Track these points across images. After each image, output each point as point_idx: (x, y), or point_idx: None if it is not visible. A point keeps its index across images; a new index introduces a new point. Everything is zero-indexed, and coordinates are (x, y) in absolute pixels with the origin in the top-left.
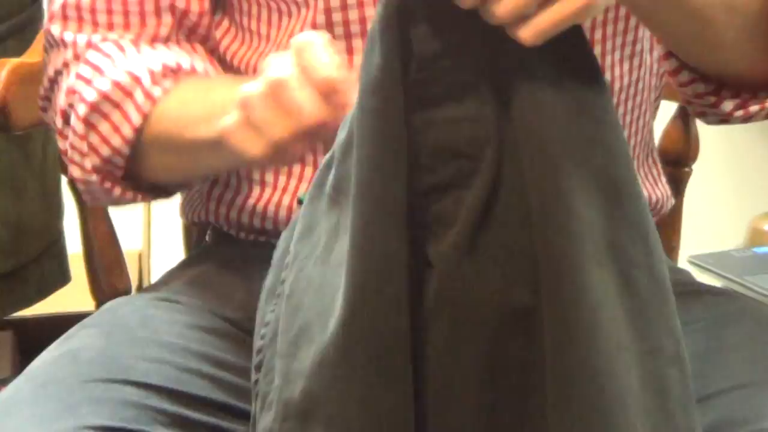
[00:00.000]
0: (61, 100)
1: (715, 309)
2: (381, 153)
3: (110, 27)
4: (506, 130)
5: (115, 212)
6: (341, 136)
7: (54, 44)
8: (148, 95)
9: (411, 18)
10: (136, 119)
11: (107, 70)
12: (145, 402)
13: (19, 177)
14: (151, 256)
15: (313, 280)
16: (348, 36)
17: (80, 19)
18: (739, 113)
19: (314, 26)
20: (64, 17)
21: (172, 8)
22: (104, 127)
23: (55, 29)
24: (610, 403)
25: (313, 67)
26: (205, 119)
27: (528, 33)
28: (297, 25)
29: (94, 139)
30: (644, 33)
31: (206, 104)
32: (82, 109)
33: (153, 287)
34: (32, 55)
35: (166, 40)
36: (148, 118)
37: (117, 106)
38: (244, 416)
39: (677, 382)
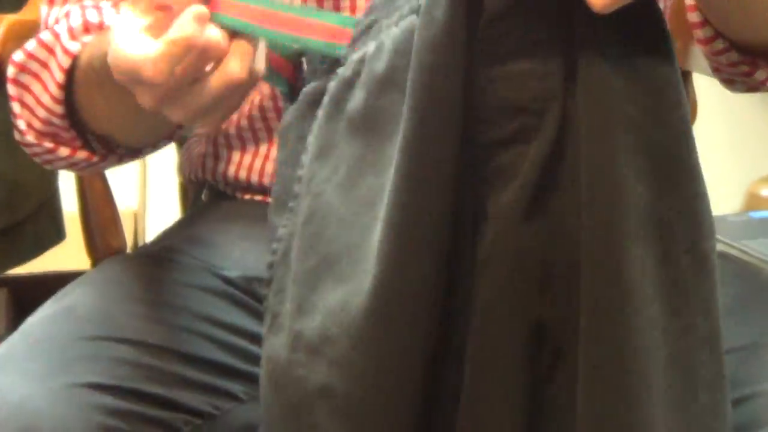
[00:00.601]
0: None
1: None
2: (432, 114)
3: None
4: (571, 90)
5: (110, 171)
6: (378, 66)
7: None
8: (65, 51)
9: None
10: (59, 76)
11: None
12: (140, 360)
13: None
14: (147, 216)
15: (335, 209)
16: None
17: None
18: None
19: None
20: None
21: None
22: (35, 86)
23: (43, 10)
24: (634, 376)
25: None
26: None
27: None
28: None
29: (29, 100)
30: None
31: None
32: (11, 71)
33: (149, 246)
34: (28, 12)
35: None
36: (73, 74)
37: (43, 65)
38: (240, 376)
39: (707, 363)
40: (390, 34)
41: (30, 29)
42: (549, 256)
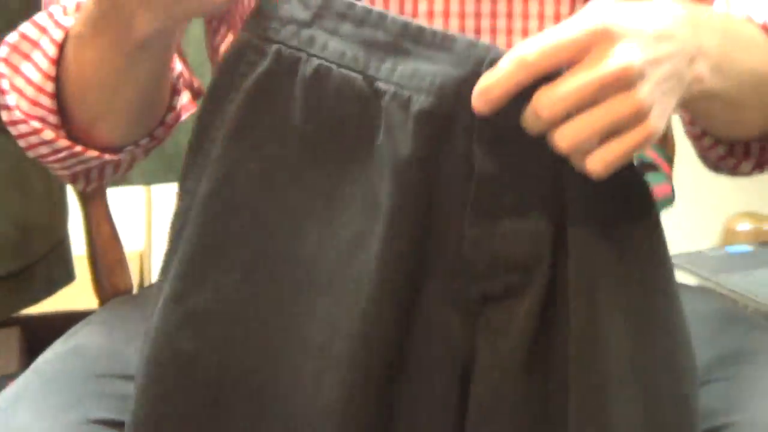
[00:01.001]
0: None
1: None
2: (399, 243)
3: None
4: (559, 249)
5: (117, 213)
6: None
7: None
8: (58, 24)
9: (475, 136)
10: (51, 51)
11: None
12: None
13: (26, 178)
14: (153, 256)
15: (247, 200)
16: None
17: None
18: (756, 171)
19: None
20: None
21: None
22: (24, 66)
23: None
24: None
25: None
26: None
27: (595, 165)
28: None
29: (19, 81)
30: None
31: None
32: (3, 51)
33: (153, 286)
34: None
35: None
36: (64, 49)
37: (35, 44)
38: None
39: None
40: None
41: None
42: (542, 404)
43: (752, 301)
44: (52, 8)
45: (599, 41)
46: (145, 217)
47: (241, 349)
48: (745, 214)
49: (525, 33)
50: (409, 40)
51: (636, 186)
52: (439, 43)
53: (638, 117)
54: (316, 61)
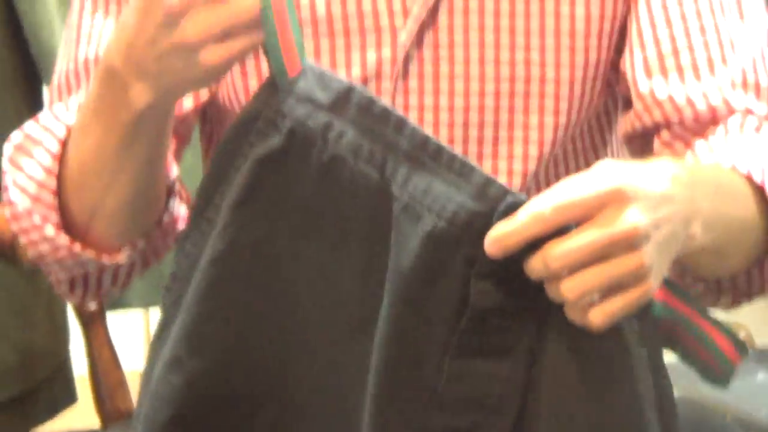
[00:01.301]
0: None
1: None
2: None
3: None
4: (533, 392)
5: (116, 334)
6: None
7: None
8: (60, 121)
9: (475, 269)
10: (55, 148)
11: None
12: None
13: (28, 306)
14: None
15: (249, 272)
16: None
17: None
18: (734, 305)
19: None
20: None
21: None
22: (27, 162)
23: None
24: None
25: None
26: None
27: (597, 318)
28: None
29: (21, 178)
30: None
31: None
32: (8, 150)
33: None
34: None
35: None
36: (66, 148)
37: (37, 142)
38: None
39: None
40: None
41: None
42: None
43: (730, 410)
44: (56, 108)
45: (612, 201)
46: (144, 337)
47: (240, 415)
48: None
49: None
50: (426, 155)
51: (616, 346)
52: (457, 168)
53: (640, 275)
54: (331, 150)
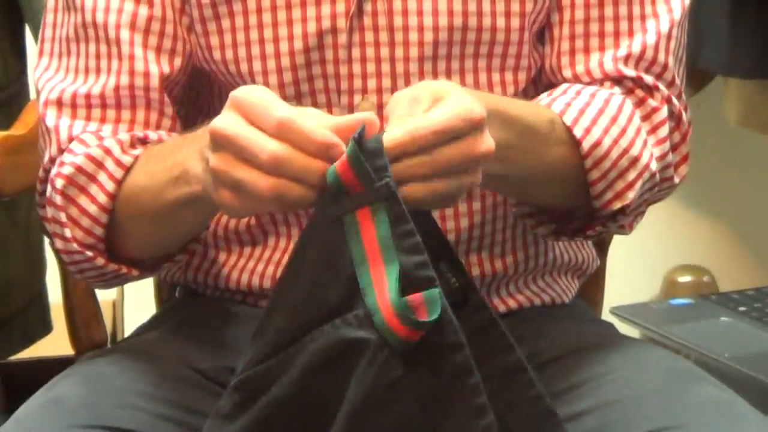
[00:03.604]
0: (48, 190)
1: (633, 359)
2: None
3: (103, 120)
4: None
5: None
6: None
7: (47, 132)
8: (118, 163)
9: None
10: (110, 186)
11: (80, 149)
12: None
13: (6, 238)
14: (125, 305)
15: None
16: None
17: (74, 106)
18: (553, 237)
19: None
20: (59, 107)
21: (162, 97)
22: (82, 199)
23: (50, 119)
24: None
25: (308, 140)
26: (174, 180)
27: (424, 191)
28: None
29: (73, 211)
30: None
31: (172, 166)
32: (59, 183)
33: (128, 339)
34: (19, 128)
35: (146, 138)
36: (121, 189)
37: (91, 178)
38: None
39: None
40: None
41: (21, 143)
42: None
43: (694, 351)
44: (107, 143)
45: (453, 95)
46: None
47: None
48: (685, 266)
49: None
50: None
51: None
52: None
53: (481, 157)
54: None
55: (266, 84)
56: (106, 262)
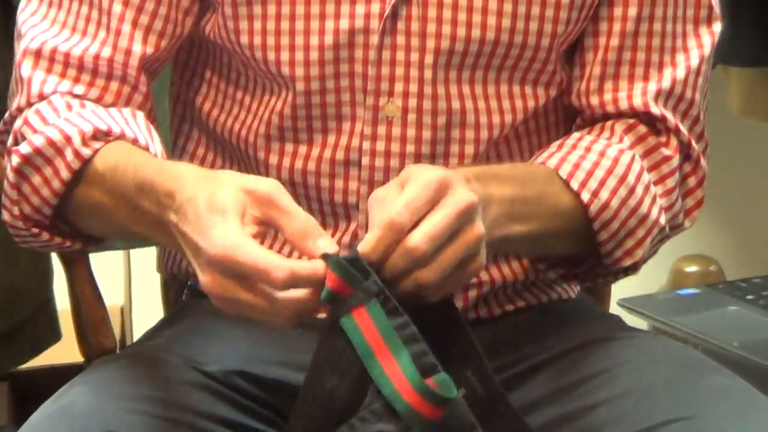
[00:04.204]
0: (9, 141)
1: (642, 351)
2: None
3: (77, 81)
4: None
5: (97, 269)
6: None
7: (20, 80)
8: (77, 154)
9: None
10: (66, 175)
11: (44, 126)
12: None
13: (12, 246)
14: (133, 310)
15: None
16: (324, 116)
17: (52, 60)
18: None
19: (294, 108)
20: (37, 57)
21: (138, 75)
22: (36, 179)
23: (25, 70)
24: None
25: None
26: (141, 224)
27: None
28: (278, 103)
29: (26, 188)
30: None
31: (140, 211)
32: (15, 160)
33: (136, 345)
34: None
35: (116, 105)
36: (80, 177)
37: (48, 161)
38: None
39: None
40: None
41: None
42: None
43: (702, 341)
44: (69, 131)
45: (443, 188)
46: (124, 273)
47: None
48: (692, 256)
49: None
50: None
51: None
52: None
53: (479, 247)
54: None
55: (292, 76)
56: (50, 237)
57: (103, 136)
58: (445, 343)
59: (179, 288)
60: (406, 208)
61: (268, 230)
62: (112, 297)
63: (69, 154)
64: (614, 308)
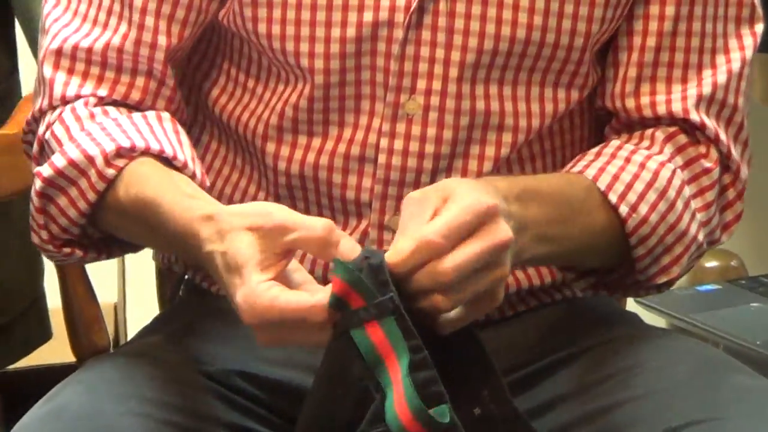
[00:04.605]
0: (34, 148)
1: (662, 350)
2: None
3: (100, 81)
4: None
5: (90, 265)
6: None
7: (42, 81)
8: (101, 176)
9: None
10: (91, 196)
11: (67, 143)
12: None
13: (2, 241)
14: (127, 307)
15: None
16: (342, 110)
17: (74, 59)
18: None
19: (311, 100)
20: (58, 57)
21: (165, 69)
22: (61, 200)
23: (47, 70)
24: None
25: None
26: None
27: (451, 326)
28: (293, 94)
29: (52, 209)
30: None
31: (162, 222)
32: (38, 184)
33: (131, 343)
34: (12, 127)
35: (143, 102)
36: (104, 202)
37: (72, 182)
38: None
39: None
40: None
41: (14, 143)
42: None
43: (724, 339)
44: (91, 151)
45: (488, 218)
46: (118, 268)
47: None
48: (712, 251)
49: None
50: None
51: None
52: None
53: (500, 285)
54: None
55: (311, 68)
56: (84, 254)
57: (127, 152)
58: (460, 361)
59: (175, 282)
60: (447, 231)
61: (291, 257)
62: (105, 294)
63: (93, 175)
64: (631, 305)
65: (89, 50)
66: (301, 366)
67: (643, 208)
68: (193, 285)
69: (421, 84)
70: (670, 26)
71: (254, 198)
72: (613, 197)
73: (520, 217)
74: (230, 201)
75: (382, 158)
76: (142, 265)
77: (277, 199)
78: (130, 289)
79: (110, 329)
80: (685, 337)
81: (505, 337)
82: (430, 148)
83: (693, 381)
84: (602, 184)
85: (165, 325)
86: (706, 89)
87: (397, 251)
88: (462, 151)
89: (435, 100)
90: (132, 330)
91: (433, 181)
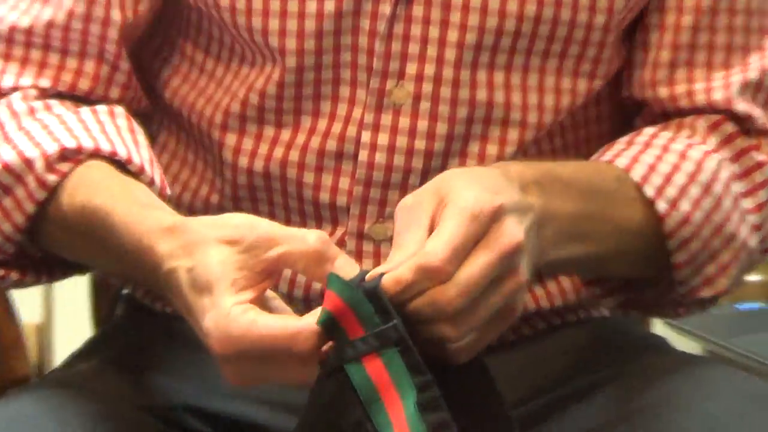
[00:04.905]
0: None
1: (696, 381)
2: None
3: (42, 67)
4: None
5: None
6: None
7: None
8: (41, 183)
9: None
10: (30, 208)
11: (1, 144)
12: None
13: None
14: (54, 329)
15: None
16: (317, 97)
17: (11, 42)
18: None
19: (281, 86)
20: None
21: (119, 51)
22: (6, 201)
23: None
24: None
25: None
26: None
27: (466, 355)
28: (260, 78)
29: None
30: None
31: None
32: None
33: (59, 371)
34: None
35: (94, 91)
36: (46, 207)
37: (6, 191)
38: None
39: None
40: None
41: None
42: None
43: (757, 366)
44: (29, 153)
45: (492, 222)
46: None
47: None
48: None
49: None
50: None
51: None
52: None
53: (519, 296)
54: None
55: (282, 48)
56: (21, 277)
57: (72, 154)
58: (470, 401)
59: (112, 298)
60: (450, 252)
61: (275, 278)
62: (28, 312)
63: (31, 182)
64: (659, 327)
65: (28, 31)
66: (263, 400)
67: (685, 205)
68: (133, 301)
69: (411, 68)
70: (710, 1)
71: (206, 201)
72: (649, 190)
73: (542, 208)
74: (190, 210)
75: (363, 155)
76: (71, 279)
77: (235, 201)
78: (58, 307)
79: (33, 354)
80: (724, 366)
81: (519, 362)
82: (420, 144)
83: (734, 419)
84: (636, 174)
85: (99, 350)
86: (753, 74)
87: (395, 279)
88: (458, 148)
89: (427, 88)
90: (60, 356)
91: (423, 182)
